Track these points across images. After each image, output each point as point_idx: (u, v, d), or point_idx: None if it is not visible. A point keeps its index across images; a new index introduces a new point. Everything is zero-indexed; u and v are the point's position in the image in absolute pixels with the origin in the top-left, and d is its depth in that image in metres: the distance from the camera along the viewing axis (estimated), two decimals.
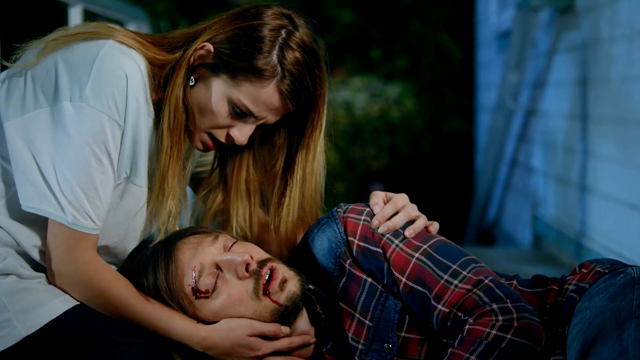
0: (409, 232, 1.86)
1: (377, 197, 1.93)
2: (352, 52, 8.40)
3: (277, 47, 1.80)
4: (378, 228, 1.87)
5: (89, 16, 3.76)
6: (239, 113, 1.83)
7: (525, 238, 5.47)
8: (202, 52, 1.83)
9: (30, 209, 1.76)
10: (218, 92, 1.83)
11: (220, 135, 1.88)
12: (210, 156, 2.12)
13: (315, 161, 1.97)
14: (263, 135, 2.00)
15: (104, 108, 1.74)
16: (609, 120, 3.81)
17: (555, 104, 4.79)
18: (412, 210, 1.90)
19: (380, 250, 1.85)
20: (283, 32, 1.82)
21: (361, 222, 1.89)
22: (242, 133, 1.87)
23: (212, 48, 1.83)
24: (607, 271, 1.83)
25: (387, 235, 1.85)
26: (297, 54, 1.82)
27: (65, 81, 1.75)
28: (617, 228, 3.68)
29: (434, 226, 1.91)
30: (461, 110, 8.29)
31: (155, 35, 1.92)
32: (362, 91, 8.12)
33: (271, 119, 1.87)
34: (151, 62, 1.84)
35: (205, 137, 1.89)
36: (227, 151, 2.03)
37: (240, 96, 1.82)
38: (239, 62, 1.80)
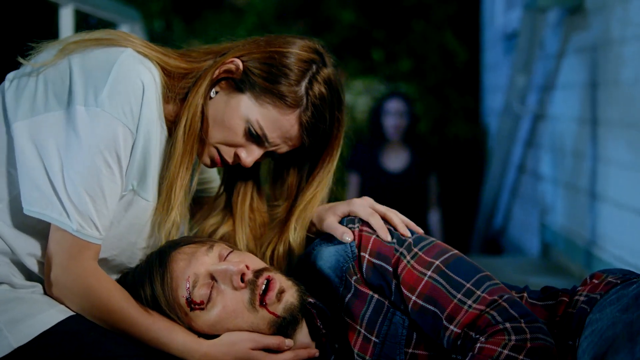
0: (403, 230, 1.90)
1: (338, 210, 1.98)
2: (353, 53, 8.40)
3: (306, 79, 1.87)
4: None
5: (80, 17, 3.76)
6: (254, 135, 1.87)
7: (533, 247, 5.47)
8: (230, 66, 1.88)
9: (33, 214, 1.77)
10: (238, 109, 1.87)
11: (227, 153, 1.91)
12: (210, 174, 2.16)
13: (316, 195, 2.02)
14: (276, 172, 2.06)
15: (119, 115, 1.76)
16: (620, 124, 3.80)
17: (564, 107, 4.79)
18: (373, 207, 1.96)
19: (391, 268, 1.84)
20: (314, 66, 1.89)
21: (373, 237, 1.88)
22: (249, 155, 1.91)
23: (241, 65, 1.88)
24: (618, 282, 1.82)
25: (400, 250, 1.85)
26: (323, 89, 1.89)
27: (80, 85, 1.76)
28: (628, 236, 3.68)
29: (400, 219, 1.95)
30: (467, 114, 8.28)
31: (181, 49, 1.97)
32: (364, 94, 8.12)
33: (283, 148, 1.92)
34: (171, 73, 1.88)
35: (214, 152, 1.92)
36: (234, 177, 2.07)
37: (260, 118, 1.86)
38: (267, 83, 1.85)
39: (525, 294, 1.92)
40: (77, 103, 1.75)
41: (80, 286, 1.80)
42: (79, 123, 1.74)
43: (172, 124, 1.90)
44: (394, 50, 8.36)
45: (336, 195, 2.11)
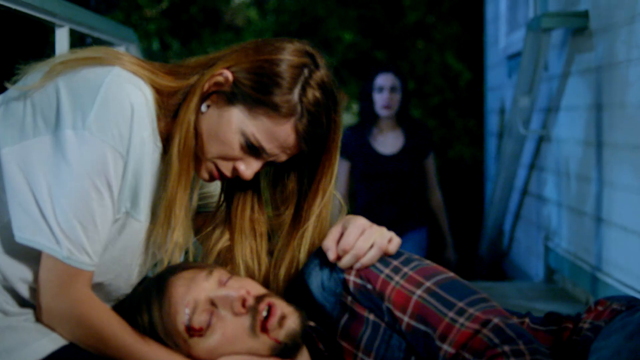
0: (392, 248, 1.87)
1: (333, 232, 1.91)
2: (354, 74, 8.42)
3: (299, 85, 1.83)
4: (338, 261, 1.87)
5: (75, 37, 3.78)
6: (251, 147, 1.85)
7: (538, 271, 5.47)
8: (219, 78, 1.85)
9: (24, 241, 1.76)
10: (232, 122, 1.84)
11: (226, 167, 1.88)
12: (211, 187, 2.14)
13: (324, 207, 1.98)
14: (275, 177, 2.03)
15: (107, 138, 1.74)
16: (625, 147, 3.81)
17: (569, 129, 4.80)
18: (372, 234, 1.89)
19: (378, 289, 1.84)
20: (305, 70, 1.85)
21: None
22: (248, 168, 1.88)
23: (230, 76, 1.84)
24: (623, 309, 1.83)
25: (386, 272, 1.85)
26: (317, 94, 1.85)
27: (67, 108, 1.75)
28: (635, 261, 3.68)
29: (394, 242, 1.90)
30: (470, 136, 8.30)
31: (169, 65, 1.94)
32: None
33: (281, 157, 1.89)
34: (161, 91, 1.85)
35: (211, 166, 1.89)
36: (233, 187, 2.04)
37: (255, 130, 1.83)
38: (259, 94, 1.82)
39: (527, 319, 1.92)
40: (65, 127, 1.74)
41: (74, 314, 1.79)
42: (67, 148, 1.73)
43: (165, 141, 1.88)
44: None
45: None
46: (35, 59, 1.89)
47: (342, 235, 1.90)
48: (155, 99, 1.84)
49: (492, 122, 7.58)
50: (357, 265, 1.86)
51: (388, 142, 5.24)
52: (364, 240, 1.87)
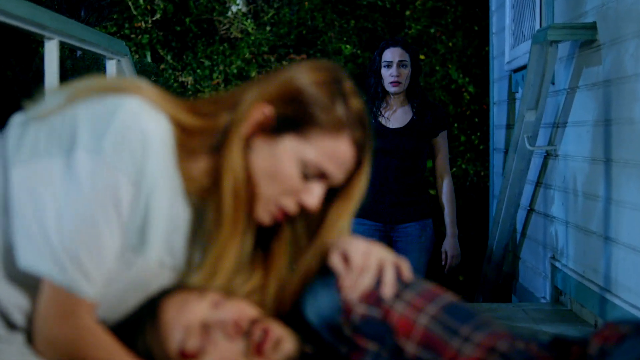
0: (387, 289, 1.85)
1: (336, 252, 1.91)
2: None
3: (339, 98, 1.85)
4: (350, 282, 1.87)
5: (65, 50, 3.79)
6: (312, 174, 1.85)
7: (544, 292, 5.46)
8: (260, 116, 1.84)
9: (27, 268, 1.75)
10: (287, 154, 1.83)
11: (290, 203, 1.87)
12: None
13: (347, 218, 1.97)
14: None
15: (121, 164, 1.74)
16: (634, 163, 3.82)
17: (576, 145, 4.80)
18: (375, 259, 1.89)
19: (383, 317, 1.84)
20: (337, 84, 1.87)
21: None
22: (312, 196, 1.87)
23: (270, 110, 1.84)
24: (631, 333, 1.83)
25: (391, 300, 1.85)
26: (358, 102, 1.88)
27: (83, 133, 1.75)
28: None
29: (405, 269, 1.90)
30: (475, 152, 8.30)
31: (187, 101, 1.93)
32: None
33: (340, 176, 1.89)
34: (183, 128, 1.85)
35: (272, 207, 1.87)
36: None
37: (314, 154, 1.84)
38: (306, 117, 1.83)
39: (533, 344, 1.92)
40: (78, 151, 1.74)
41: (78, 344, 1.77)
42: (79, 172, 1.73)
43: (188, 182, 1.87)
44: None
45: None
46: (24, 72, 1.91)
47: (346, 254, 1.90)
48: (175, 135, 1.84)
49: (498, 138, 7.58)
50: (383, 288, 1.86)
51: (395, 116, 5.08)
52: (375, 258, 1.89)
